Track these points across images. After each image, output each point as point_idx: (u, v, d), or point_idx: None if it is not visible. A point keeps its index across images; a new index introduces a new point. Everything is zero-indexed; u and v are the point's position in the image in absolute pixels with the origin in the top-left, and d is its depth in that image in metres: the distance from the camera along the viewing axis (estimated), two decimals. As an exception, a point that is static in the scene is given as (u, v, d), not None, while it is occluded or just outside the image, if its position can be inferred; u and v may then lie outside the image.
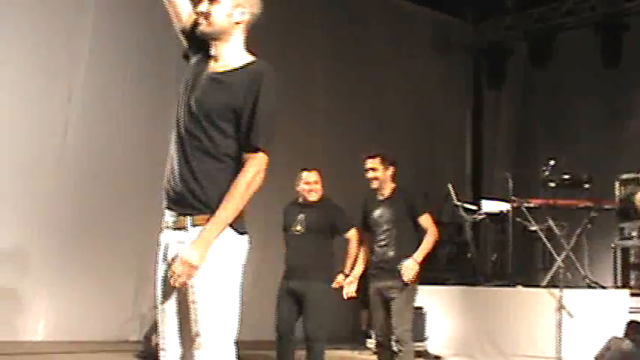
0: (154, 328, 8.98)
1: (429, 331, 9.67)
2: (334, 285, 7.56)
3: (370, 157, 7.31)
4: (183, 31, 4.05)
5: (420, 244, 7.29)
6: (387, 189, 7.31)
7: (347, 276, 7.59)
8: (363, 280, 7.51)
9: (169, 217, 3.85)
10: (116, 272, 9.74)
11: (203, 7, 3.83)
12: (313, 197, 7.56)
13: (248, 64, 3.86)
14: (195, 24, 3.96)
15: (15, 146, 9.18)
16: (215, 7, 3.82)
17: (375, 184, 7.29)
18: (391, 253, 7.20)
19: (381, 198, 7.33)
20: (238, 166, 3.77)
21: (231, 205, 3.70)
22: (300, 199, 7.63)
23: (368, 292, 7.43)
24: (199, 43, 3.96)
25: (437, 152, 13.33)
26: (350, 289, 7.48)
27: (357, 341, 10.31)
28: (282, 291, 7.49)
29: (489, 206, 10.25)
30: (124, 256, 9.76)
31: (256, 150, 3.75)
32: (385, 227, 7.28)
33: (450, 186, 10.36)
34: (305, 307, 7.39)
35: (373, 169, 7.27)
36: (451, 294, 9.96)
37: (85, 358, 8.96)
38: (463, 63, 14.14)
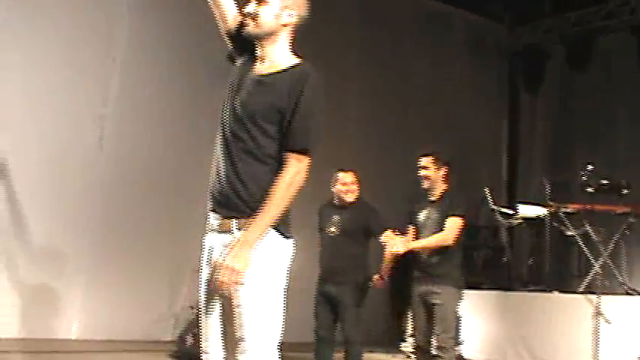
0: (188, 329, 9.00)
1: (463, 335, 9.62)
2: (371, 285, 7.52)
3: (423, 156, 7.16)
4: (228, 33, 4.05)
5: (459, 249, 7.21)
6: (438, 190, 7.13)
7: (382, 279, 7.54)
8: (403, 282, 7.45)
9: (214, 219, 3.84)
10: (150, 272, 9.74)
11: (251, 7, 3.84)
12: (350, 198, 7.48)
13: (293, 66, 3.86)
14: (241, 26, 3.96)
15: (49, 147, 9.19)
16: (263, 8, 3.83)
17: (425, 184, 7.13)
18: (435, 258, 7.07)
19: (431, 199, 7.16)
20: (282, 168, 3.75)
21: (272, 207, 3.68)
22: (336, 201, 7.56)
23: (411, 295, 7.34)
24: (244, 44, 3.96)
25: (472, 156, 13.23)
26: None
27: (391, 345, 10.26)
28: (318, 294, 7.44)
29: (526, 210, 10.15)
30: (158, 256, 9.76)
31: (296, 151, 3.73)
32: (431, 230, 7.13)
33: (486, 190, 10.28)
34: (341, 310, 7.34)
35: (425, 168, 7.11)
36: (486, 298, 9.88)
37: (118, 358, 8.98)
38: (499, 66, 14.05)
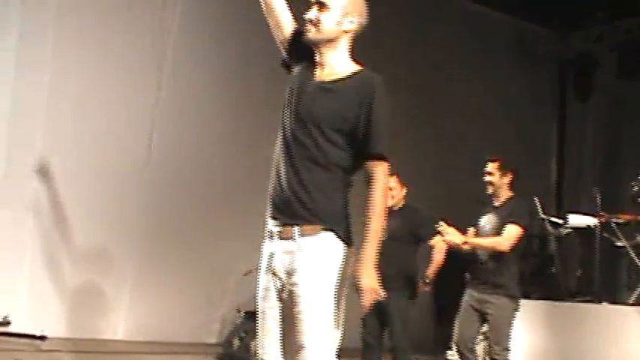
0: (235, 332, 9.01)
1: (511, 345, 9.54)
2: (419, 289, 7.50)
3: (490, 161, 7.18)
4: (284, 42, 4.07)
5: (517, 259, 7.15)
6: (502, 197, 7.13)
7: (428, 284, 7.51)
8: (450, 287, 7.41)
9: (275, 226, 3.85)
10: (197, 274, 9.75)
11: (312, 13, 3.88)
12: (389, 203, 7.49)
13: (357, 73, 3.90)
14: (296, 34, 4.01)
15: (100, 148, 9.24)
16: (325, 14, 3.87)
17: (489, 189, 7.12)
18: (492, 265, 7.03)
19: (496, 204, 7.15)
20: (346, 175, 3.83)
21: (379, 216, 3.78)
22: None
23: (460, 300, 7.28)
24: (301, 52, 4.00)
25: (521, 164, 13.12)
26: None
27: (437, 352, 10.19)
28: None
29: (576, 220, 10.04)
30: (205, 259, 9.77)
31: (379, 158, 3.79)
32: (488, 235, 7.08)
33: (535, 199, 10.18)
34: (389, 318, 7.31)
35: (490, 174, 7.13)
36: (534, 308, 9.78)
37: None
38: (549, 74, 13.94)
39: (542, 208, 10.47)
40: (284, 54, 4.11)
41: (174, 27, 9.92)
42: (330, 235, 3.78)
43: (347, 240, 3.82)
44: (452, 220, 7.23)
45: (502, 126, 12.79)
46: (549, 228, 10.40)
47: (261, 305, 3.93)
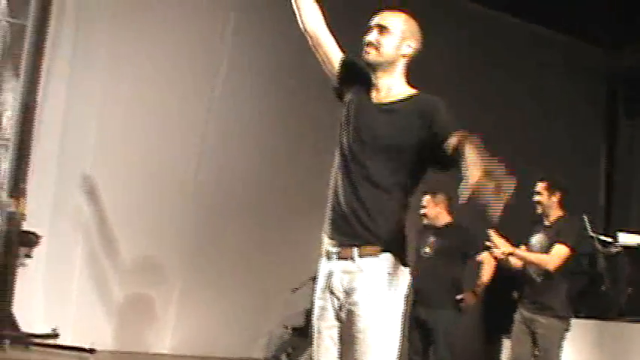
0: (282, 348, 9.02)
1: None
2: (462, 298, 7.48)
3: (538, 180, 7.20)
4: (334, 74, 4.15)
5: (566, 279, 7.14)
6: (552, 216, 7.14)
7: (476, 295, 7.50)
8: (497, 306, 7.41)
9: (333, 246, 3.86)
10: (244, 289, 9.79)
11: (373, 36, 3.97)
12: (426, 220, 7.56)
13: (415, 95, 3.98)
14: (345, 63, 4.13)
15: (149, 161, 9.32)
16: (385, 38, 3.97)
17: (538, 209, 7.14)
18: (542, 284, 7.04)
19: (546, 224, 7.16)
20: (404, 197, 3.88)
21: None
22: (430, 222, 7.60)
23: (506, 319, 7.27)
24: (352, 78, 4.09)
25: (569, 182, 13.02)
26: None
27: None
28: (410, 320, 7.39)
29: (626, 239, 9.94)
30: (253, 274, 9.81)
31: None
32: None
33: (584, 217, 10.11)
34: (434, 336, 7.31)
35: (538, 193, 7.15)
36: (583, 327, 9.68)
37: (211, 374, 9.08)
38: (598, 90, 13.83)
39: (592, 227, 10.39)
40: (335, 83, 4.18)
41: (227, 43, 9.99)
42: (390, 256, 3.80)
43: (404, 260, 3.87)
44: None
45: (549, 143, 12.70)
46: (598, 246, 10.29)
47: (317, 324, 3.96)
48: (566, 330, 7.13)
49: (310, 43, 4.22)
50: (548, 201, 7.16)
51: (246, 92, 10.06)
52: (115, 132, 9.18)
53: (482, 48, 12.04)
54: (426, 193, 7.67)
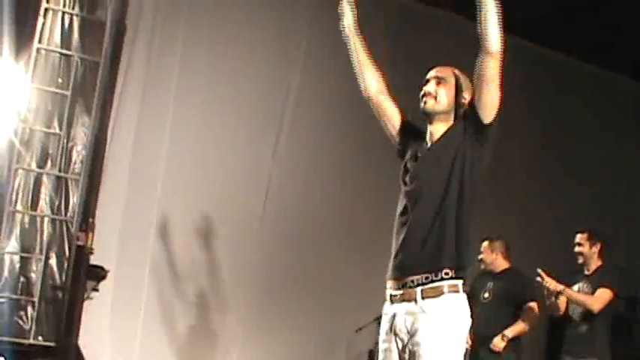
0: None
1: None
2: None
3: (579, 232, 7.42)
4: (396, 136, 4.45)
5: (608, 324, 7.26)
6: (593, 265, 7.35)
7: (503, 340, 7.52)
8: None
9: (395, 289, 4.12)
10: (309, 329, 9.90)
11: (431, 87, 4.26)
12: (489, 267, 7.65)
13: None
14: (405, 124, 4.44)
15: (219, 194, 9.46)
16: (442, 89, 4.24)
17: (580, 259, 7.35)
18: (583, 329, 7.21)
19: (587, 273, 7.35)
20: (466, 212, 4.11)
21: None
22: (488, 268, 7.70)
23: None
24: (411, 135, 4.39)
25: (631, 229, 12.92)
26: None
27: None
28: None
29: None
30: (318, 313, 9.86)
31: None
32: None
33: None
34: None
35: (580, 245, 7.36)
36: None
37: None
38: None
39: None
40: (397, 145, 4.45)
41: (295, 80, 10.09)
42: (455, 295, 3.87)
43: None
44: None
45: (617, 192, 12.60)
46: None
47: None
48: None
49: (372, 108, 4.49)
50: (589, 251, 7.42)
51: (313, 130, 10.12)
52: (182, 168, 9.31)
53: (551, 97, 11.97)
54: (484, 239, 7.82)
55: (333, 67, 10.15)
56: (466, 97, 4.26)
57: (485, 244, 8.00)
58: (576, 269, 7.74)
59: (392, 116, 4.47)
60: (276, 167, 9.93)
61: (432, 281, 3.97)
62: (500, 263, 7.97)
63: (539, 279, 7.33)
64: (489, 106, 4.11)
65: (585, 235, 7.67)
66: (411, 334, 3.97)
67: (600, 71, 12.59)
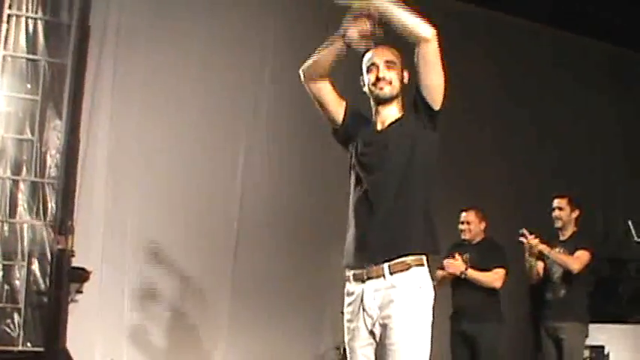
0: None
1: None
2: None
3: (558, 197, 7.50)
4: (337, 121, 4.49)
5: (586, 285, 7.35)
6: (569, 231, 7.43)
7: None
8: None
9: (359, 268, 4.21)
10: (295, 314, 9.89)
11: (384, 73, 4.27)
12: (466, 236, 7.69)
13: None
14: (345, 109, 4.44)
15: (196, 192, 9.50)
16: (394, 72, 4.28)
17: (558, 224, 7.45)
18: (562, 293, 7.25)
19: (562, 238, 7.44)
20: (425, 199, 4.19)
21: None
22: (465, 239, 7.74)
23: (539, 332, 7.45)
24: (353, 118, 4.43)
25: (615, 189, 12.98)
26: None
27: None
28: (454, 335, 7.50)
29: (673, 243, 9.92)
30: (303, 298, 9.88)
31: None
32: (558, 267, 7.34)
33: (630, 222, 10.09)
34: (478, 351, 7.39)
35: (560, 209, 7.47)
36: (633, 332, 9.69)
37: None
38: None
39: (638, 232, 10.34)
40: (337, 125, 4.49)
41: (266, 76, 10.11)
42: (421, 269, 3.93)
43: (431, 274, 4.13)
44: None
45: (593, 152, 12.67)
46: (645, 251, 10.30)
47: (350, 346, 4.07)
48: (586, 335, 7.43)
49: (309, 90, 4.51)
50: (568, 216, 7.49)
51: (287, 126, 10.15)
52: (159, 166, 9.30)
53: (520, 61, 12.02)
54: (463, 210, 7.84)
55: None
56: (406, 75, 4.36)
57: (471, 214, 7.96)
58: (550, 235, 7.81)
59: (335, 106, 4.48)
60: (249, 166, 9.90)
61: (399, 256, 4.01)
62: (479, 233, 7.98)
63: (522, 239, 7.42)
64: (436, 91, 4.18)
65: (565, 200, 7.78)
66: (382, 309, 4.04)
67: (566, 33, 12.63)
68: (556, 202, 7.76)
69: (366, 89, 4.39)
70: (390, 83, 4.28)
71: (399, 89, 4.33)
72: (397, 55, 4.36)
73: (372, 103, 4.42)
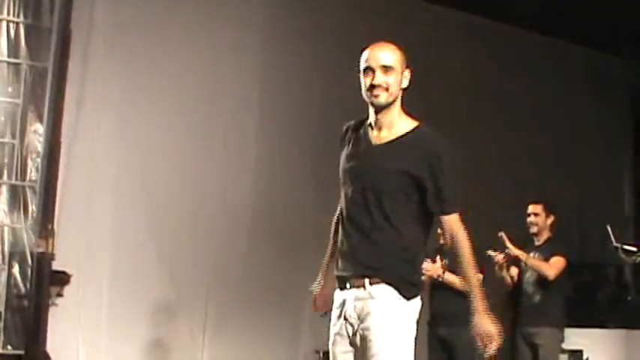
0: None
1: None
2: None
3: (534, 203, 7.54)
4: None
5: (562, 290, 7.40)
6: (544, 236, 7.47)
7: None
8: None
9: (344, 276, 4.11)
10: (275, 317, 9.88)
11: (381, 78, 4.01)
12: (442, 240, 7.69)
13: (416, 128, 4.07)
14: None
15: (177, 191, 9.48)
16: (391, 77, 4.01)
17: (533, 229, 7.49)
18: (538, 299, 7.30)
19: (537, 244, 7.47)
20: (418, 228, 4.07)
21: (472, 266, 4.06)
22: (443, 245, 7.74)
23: (514, 338, 7.49)
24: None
25: (596, 193, 13.05)
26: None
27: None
28: (430, 340, 7.53)
29: (650, 247, 9.97)
30: (284, 301, 9.85)
31: (450, 212, 4.01)
32: (533, 272, 7.38)
33: (608, 227, 10.14)
34: (456, 355, 7.42)
35: (535, 214, 7.50)
36: (612, 337, 9.74)
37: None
38: (622, 102, 13.82)
39: (616, 237, 10.40)
40: None
41: (251, 74, 10.11)
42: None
43: (406, 294, 3.97)
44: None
45: (573, 155, 12.72)
46: (623, 256, 10.31)
47: (332, 350, 4.09)
48: (562, 340, 7.49)
49: None
50: (544, 222, 7.55)
51: (275, 124, 10.18)
52: (139, 168, 9.30)
53: (502, 63, 12.07)
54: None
55: (291, 63, 10.23)
56: (407, 75, 4.08)
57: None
58: (525, 240, 7.84)
59: None
60: (233, 164, 9.89)
61: (378, 275, 3.99)
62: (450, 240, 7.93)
63: (491, 253, 7.41)
64: None
65: (541, 206, 7.80)
66: (361, 320, 3.97)
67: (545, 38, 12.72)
68: (531, 208, 7.79)
69: (363, 92, 4.16)
70: (387, 90, 3.99)
71: (398, 94, 4.06)
72: (397, 56, 4.07)
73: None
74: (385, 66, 4.00)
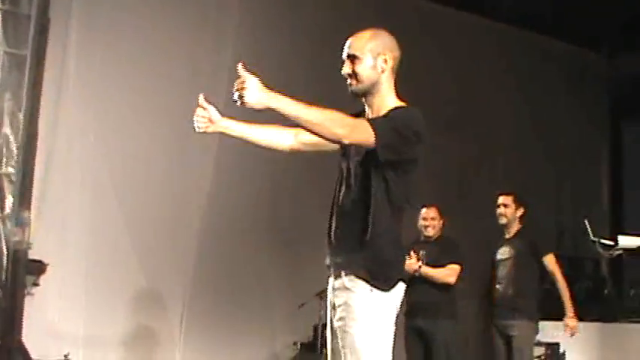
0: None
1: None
2: None
3: (504, 194, 7.52)
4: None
5: (535, 283, 7.43)
6: (514, 228, 7.48)
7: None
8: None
9: (329, 264, 4.16)
10: (251, 309, 9.89)
11: (347, 68, 4.02)
12: (429, 232, 7.68)
13: (395, 108, 3.99)
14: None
15: (156, 184, 9.46)
16: (359, 65, 3.99)
17: (503, 220, 7.49)
18: (510, 291, 7.34)
19: (507, 237, 7.50)
20: (392, 215, 3.98)
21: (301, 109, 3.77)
22: (422, 236, 7.73)
23: (490, 330, 7.52)
24: None
25: (573, 187, 13.10)
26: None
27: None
28: (408, 331, 7.53)
29: (626, 242, 9.97)
30: (260, 293, 9.88)
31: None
32: (506, 266, 7.40)
33: (585, 221, 10.19)
34: (434, 347, 7.43)
35: (505, 205, 7.50)
36: (589, 330, 9.75)
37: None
38: (599, 96, 13.87)
39: (593, 231, 10.44)
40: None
41: (227, 66, 10.07)
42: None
43: (381, 287, 3.93)
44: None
45: (552, 150, 12.76)
46: (600, 250, 10.35)
47: (326, 333, 4.18)
48: (536, 332, 7.52)
49: (304, 151, 4.40)
50: (513, 214, 7.55)
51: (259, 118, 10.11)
52: (118, 159, 9.26)
53: (477, 57, 12.09)
54: (424, 205, 7.83)
55: (270, 59, 10.19)
56: (388, 58, 4.01)
57: (433, 211, 7.90)
58: (499, 232, 7.86)
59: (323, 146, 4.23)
60: (214, 157, 9.85)
61: (354, 266, 3.97)
62: (436, 231, 7.96)
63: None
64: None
65: (511, 198, 7.77)
66: (337, 310, 3.99)
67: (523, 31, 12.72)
68: (501, 199, 7.76)
69: None
70: (356, 78, 3.99)
71: (372, 79, 4.00)
72: (363, 42, 4.02)
73: None
74: (350, 55, 4.02)
